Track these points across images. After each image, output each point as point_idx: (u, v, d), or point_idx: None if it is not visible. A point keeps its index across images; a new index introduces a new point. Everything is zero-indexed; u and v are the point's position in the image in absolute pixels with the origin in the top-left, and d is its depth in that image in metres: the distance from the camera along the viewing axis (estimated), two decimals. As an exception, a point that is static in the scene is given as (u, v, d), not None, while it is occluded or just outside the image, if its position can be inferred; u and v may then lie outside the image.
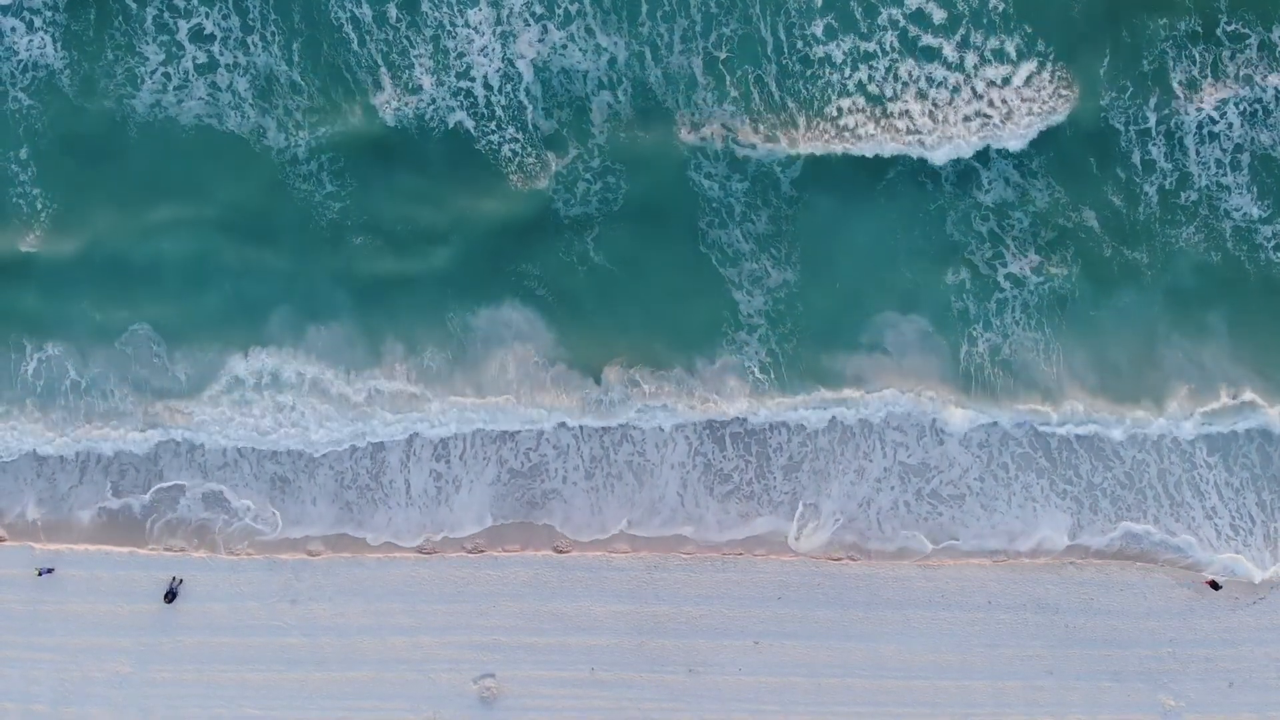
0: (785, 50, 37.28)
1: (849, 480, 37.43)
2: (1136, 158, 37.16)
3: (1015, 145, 37.03)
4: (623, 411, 37.38)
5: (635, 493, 37.62)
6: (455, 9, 37.56)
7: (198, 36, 37.83)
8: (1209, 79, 36.87)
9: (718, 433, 37.68)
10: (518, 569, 37.06)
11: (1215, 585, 36.45)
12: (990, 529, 37.19)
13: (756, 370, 37.57)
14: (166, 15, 37.82)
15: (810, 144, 37.29)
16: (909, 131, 37.10)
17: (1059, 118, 37.04)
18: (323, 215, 38.00)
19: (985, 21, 37.02)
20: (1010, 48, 36.99)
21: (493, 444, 37.83)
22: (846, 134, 37.22)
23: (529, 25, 37.46)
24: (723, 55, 37.23)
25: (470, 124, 37.72)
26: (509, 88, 37.67)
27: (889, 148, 37.14)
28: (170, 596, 36.93)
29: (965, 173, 37.31)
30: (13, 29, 37.81)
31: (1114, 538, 37.02)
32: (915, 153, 37.09)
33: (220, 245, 37.99)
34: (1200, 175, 37.03)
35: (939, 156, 37.03)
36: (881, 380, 37.44)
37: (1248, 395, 36.87)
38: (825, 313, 37.56)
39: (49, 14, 37.82)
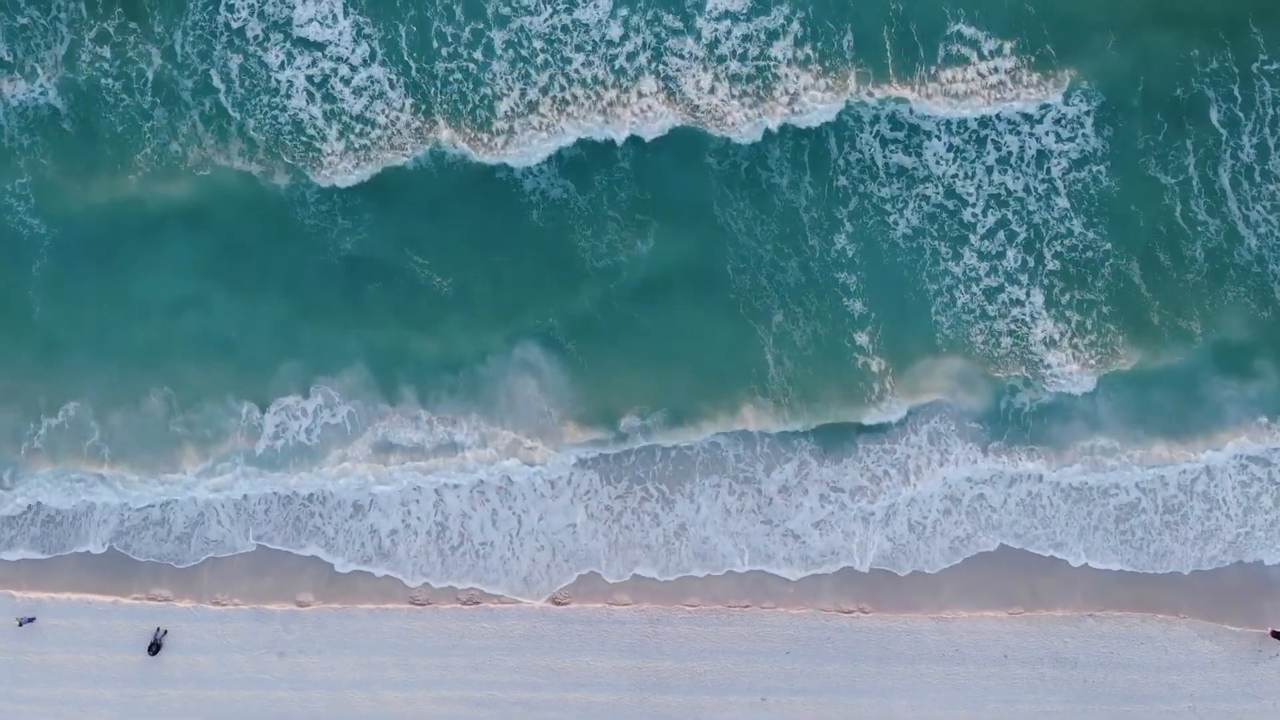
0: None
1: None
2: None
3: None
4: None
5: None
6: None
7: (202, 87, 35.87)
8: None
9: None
10: (514, 621, 35.94)
11: (1278, 635, 35.39)
12: None
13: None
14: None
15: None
16: None
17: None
18: (336, 255, 36.02)
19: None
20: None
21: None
22: None
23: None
24: None
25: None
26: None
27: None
28: (154, 649, 35.80)
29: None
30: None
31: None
32: None
33: (226, 289, 36.02)
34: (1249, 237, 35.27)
35: None
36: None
37: None
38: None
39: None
